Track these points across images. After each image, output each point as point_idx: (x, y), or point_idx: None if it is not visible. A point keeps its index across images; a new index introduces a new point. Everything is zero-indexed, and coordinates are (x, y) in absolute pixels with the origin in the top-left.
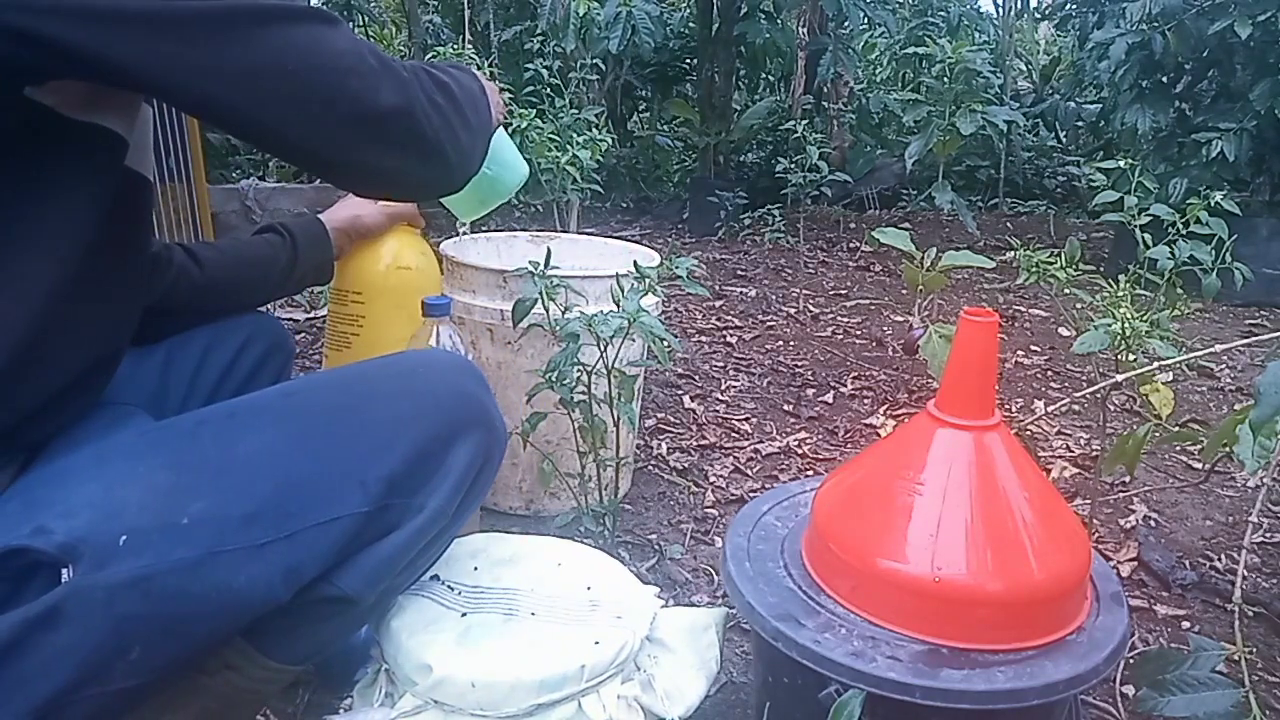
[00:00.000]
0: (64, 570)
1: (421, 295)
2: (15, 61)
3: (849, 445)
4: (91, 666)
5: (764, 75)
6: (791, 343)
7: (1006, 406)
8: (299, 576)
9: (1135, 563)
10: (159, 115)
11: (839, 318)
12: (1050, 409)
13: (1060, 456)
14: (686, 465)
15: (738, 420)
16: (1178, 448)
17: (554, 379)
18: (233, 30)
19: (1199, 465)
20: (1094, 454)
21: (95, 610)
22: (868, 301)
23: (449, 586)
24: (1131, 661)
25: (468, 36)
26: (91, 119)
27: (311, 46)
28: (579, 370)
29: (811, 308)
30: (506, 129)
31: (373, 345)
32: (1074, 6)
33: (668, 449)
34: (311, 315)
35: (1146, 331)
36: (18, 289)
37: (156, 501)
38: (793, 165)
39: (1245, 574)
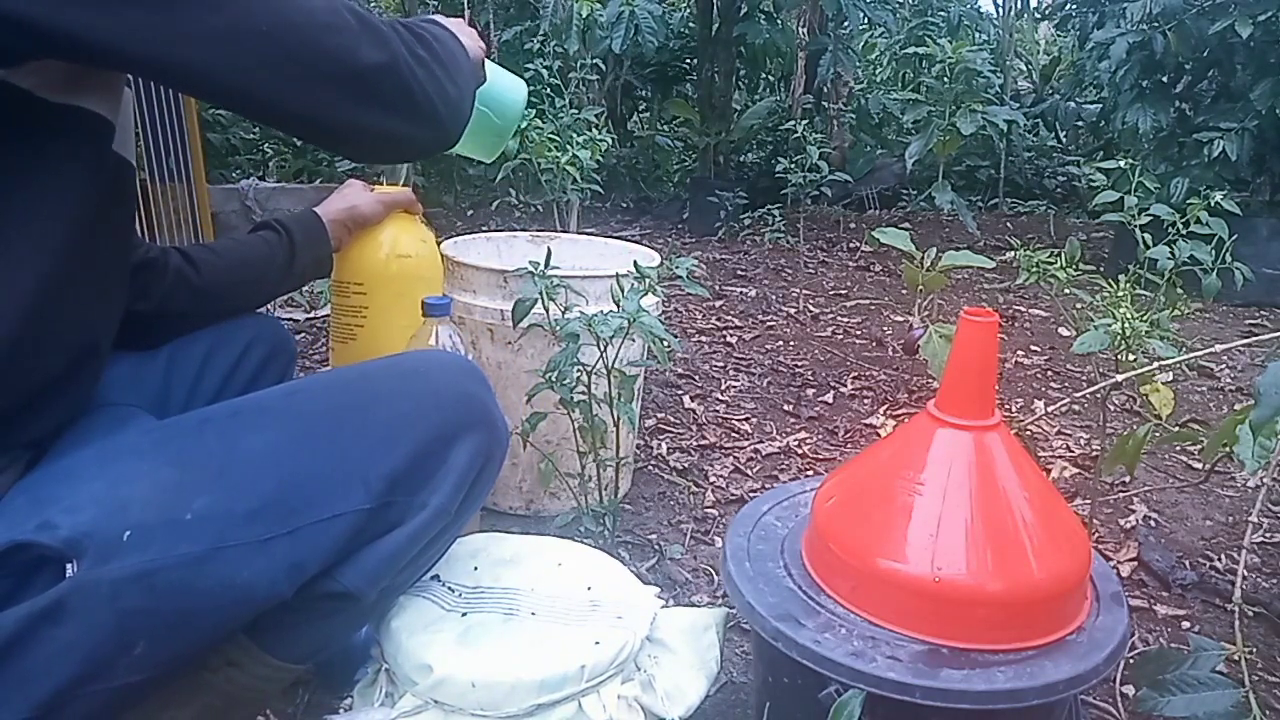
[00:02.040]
0: (68, 565)
1: (423, 282)
2: None
3: (849, 445)
4: (95, 662)
5: (764, 75)
6: (791, 343)
7: (1006, 406)
8: (302, 572)
9: (1135, 563)
10: (158, 115)
11: (839, 318)
12: (1050, 409)
13: (1060, 456)
14: (686, 465)
15: (738, 420)
16: (1178, 448)
17: (554, 379)
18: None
19: (1199, 465)
20: (1094, 454)
21: (99, 605)
22: (868, 301)
23: (449, 588)
24: (1131, 661)
25: None
26: (73, 101)
27: (284, 5)
28: (579, 370)
29: (811, 308)
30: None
31: (377, 335)
32: (1074, 6)
33: (668, 449)
34: (312, 315)
35: (1146, 331)
36: (13, 274)
37: (161, 497)
38: (793, 165)
39: (1245, 574)
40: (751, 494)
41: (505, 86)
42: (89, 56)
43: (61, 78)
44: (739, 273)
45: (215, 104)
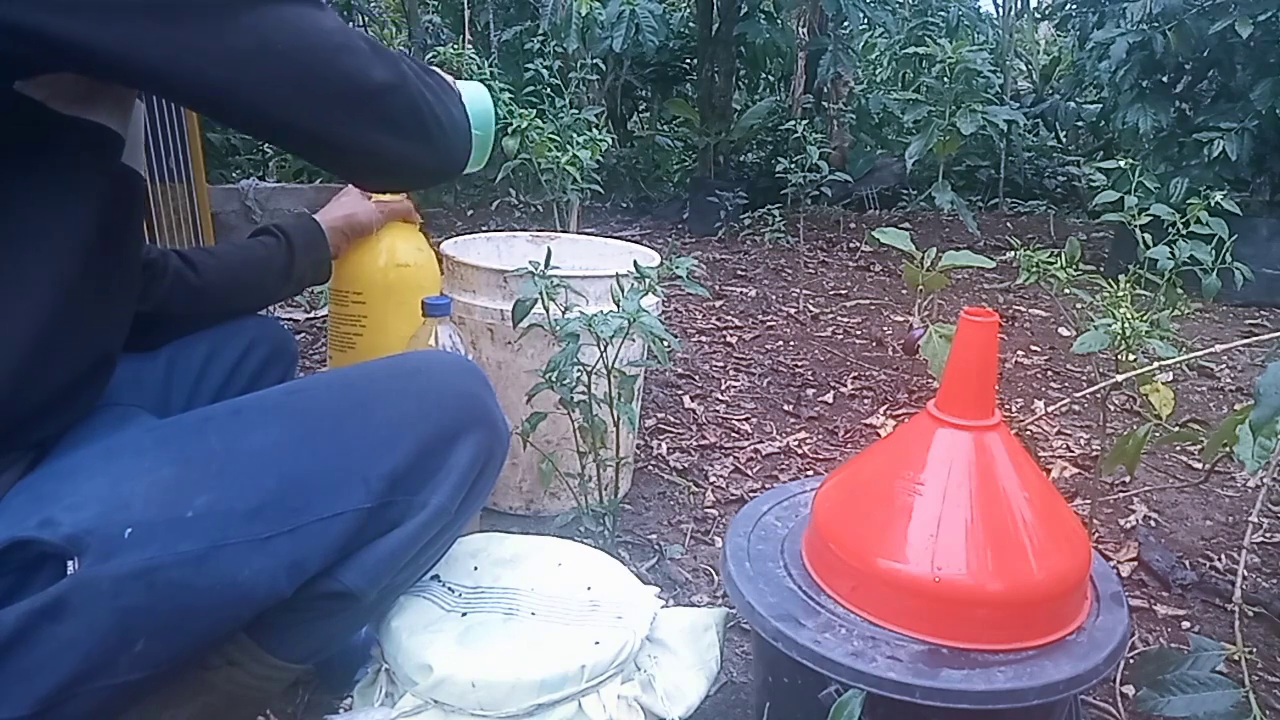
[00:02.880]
0: (69, 562)
1: (421, 291)
2: (2, 54)
3: (849, 445)
4: (96, 659)
5: (764, 75)
6: (791, 343)
7: (1006, 406)
8: (302, 571)
9: (1135, 563)
10: (158, 116)
11: (839, 318)
12: (1050, 409)
13: (1060, 456)
14: (686, 465)
15: (738, 420)
16: (1178, 448)
17: (554, 379)
18: (220, 12)
19: (1199, 465)
20: (1094, 454)
21: (100, 602)
22: (868, 301)
23: (449, 588)
24: (1131, 661)
25: (468, 36)
26: (85, 115)
27: (301, 25)
28: (579, 370)
29: (811, 308)
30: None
31: (376, 344)
32: (1074, 6)
33: (668, 449)
34: (311, 315)
35: (1146, 331)
36: (26, 288)
37: (162, 495)
38: (793, 165)
39: (1245, 574)
40: (751, 494)
41: (471, 97)
42: (107, 71)
43: (74, 91)
44: (739, 273)
45: (228, 123)
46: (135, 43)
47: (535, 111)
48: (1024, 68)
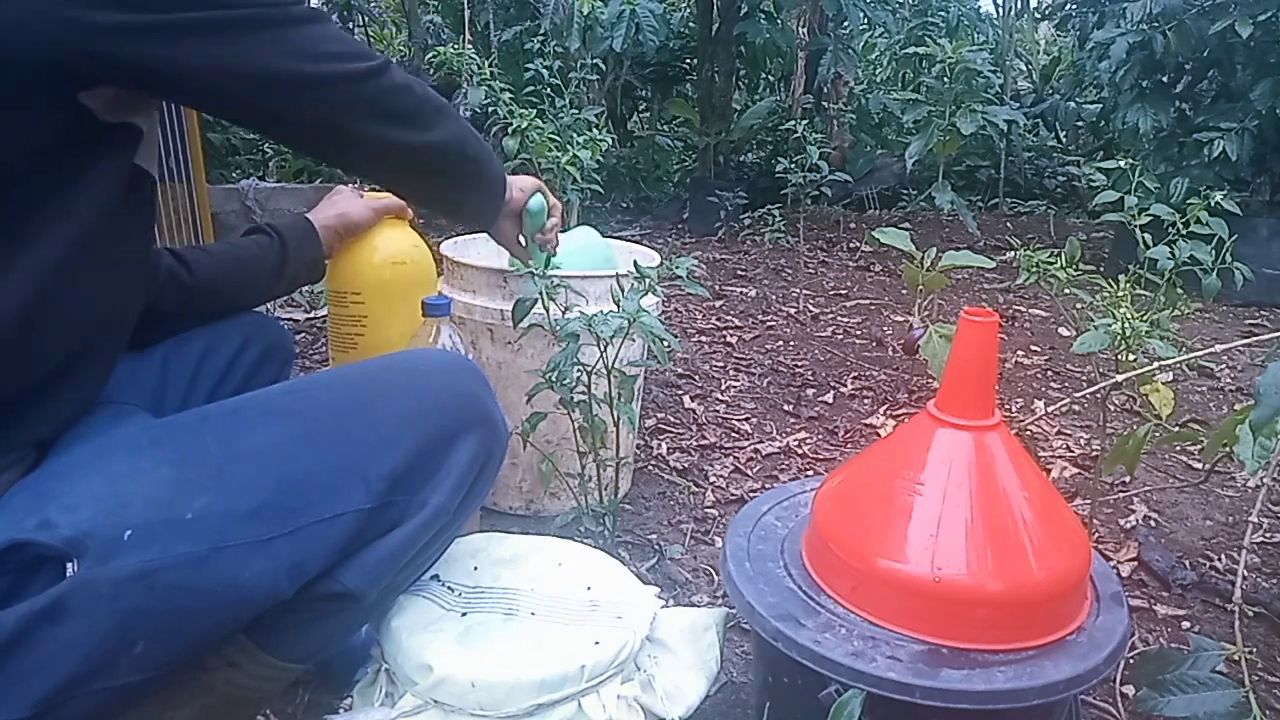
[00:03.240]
0: (68, 564)
1: (418, 288)
2: (76, 72)
3: (849, 445)
4: (95, 661)
5: (764, 75)
6: (791, 343)
7: (1006, 406)
8: (303, 572)
9: (1135, 563)
10: (159, 116)
11: (839, 318)
12: (1050, 409)
13: (1060, 456)
14: (686, 465)
15: (738, 420)
16: (1178, 448)
17: (554, 379)
18: (266, 32)
19: (1199, 465)
20: (1094, 454)
21: (99, 604)
22: (868, 301)
23: (449, 587)
24: (1131, 661)
25: (468, 36)
26: (122, 118)
27: (341, 41)
28: (579, 370)
29: (811, 308)
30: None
31: (377, 343)
32: (1074, 6)
33: (668, 449)
34: (311, 315)
35: (1146, 331)
36: (20, 266)
37: (161, 496)
38: (793, 165)
39: (1245, 574)
40: (751, 494)
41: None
42: (172, 89)
43: (117, 100)
44: (739, 273)
45: (275, 139)
46: (200, 64)
47: (535, 111)
48: (1024, 68)
